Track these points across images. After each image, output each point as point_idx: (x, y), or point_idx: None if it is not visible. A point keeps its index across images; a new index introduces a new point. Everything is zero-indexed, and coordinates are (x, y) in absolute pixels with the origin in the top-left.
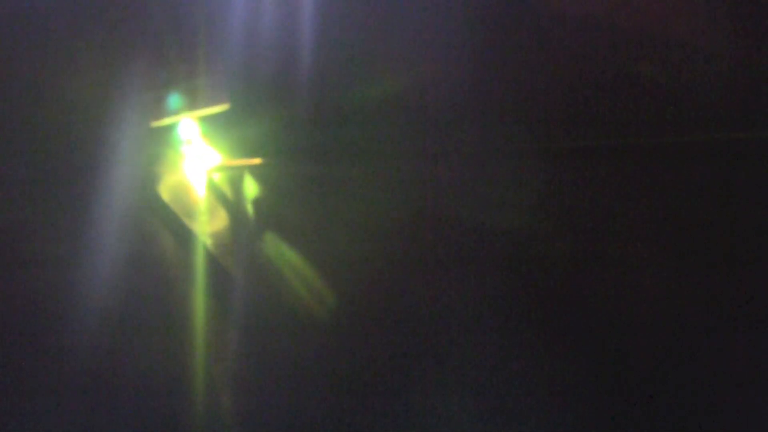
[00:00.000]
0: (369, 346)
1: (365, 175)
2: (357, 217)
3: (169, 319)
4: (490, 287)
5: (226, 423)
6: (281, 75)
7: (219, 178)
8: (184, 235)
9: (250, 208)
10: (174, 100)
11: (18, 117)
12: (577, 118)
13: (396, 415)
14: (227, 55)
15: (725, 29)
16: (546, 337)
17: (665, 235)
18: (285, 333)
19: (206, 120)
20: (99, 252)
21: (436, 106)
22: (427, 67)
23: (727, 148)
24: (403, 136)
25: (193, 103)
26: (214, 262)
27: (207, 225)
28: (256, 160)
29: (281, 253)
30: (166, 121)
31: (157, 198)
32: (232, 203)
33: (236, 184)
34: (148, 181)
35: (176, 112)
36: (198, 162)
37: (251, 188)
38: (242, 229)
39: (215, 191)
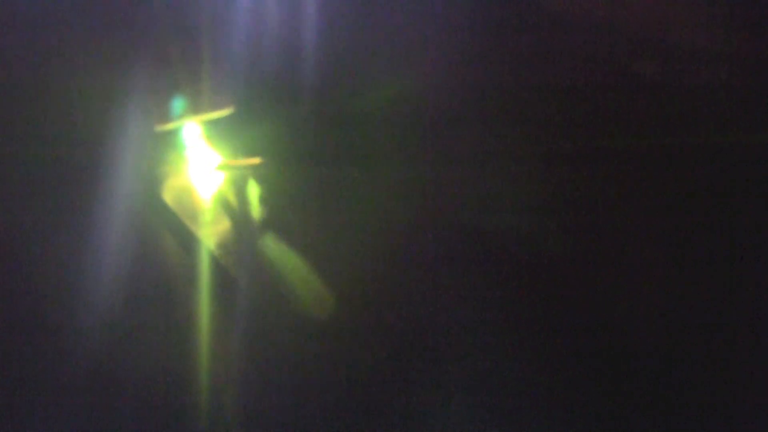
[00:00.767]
0: (370, 347)
1: (368, 178)
2: (359, 220)
3: (171, 321)
4: (491, 288)
5: (227, 424)
6: (284, 79)
7: (222, 181)
8: (187, 238)
9: (253, 211)
10: (178, 103)
11: (22, 120)
12: (577, 121)
13: (396, 415)
14: (231, 59)
15: (725, 29)
16: (546, 337)
17: (665, 235)
18: (286, 334)
19: (210, 123)
20: (103, 254)
21: (437, 109)
22: (428, 71)
23: (727, 149)
24: (405, 139)
25: (196, 107)
26: (217, 264)
27: (210, 228)
28: (260, 163)
29: (284, 255)
30: (170, 125)
31: (161, 201)
32: (235, 206)
33: (239, 187)
34: (152, 185)
35: (180, 116)
36: (202, 165)
37: (254, 191)
38: (245, 231)
39: (218, 194)
